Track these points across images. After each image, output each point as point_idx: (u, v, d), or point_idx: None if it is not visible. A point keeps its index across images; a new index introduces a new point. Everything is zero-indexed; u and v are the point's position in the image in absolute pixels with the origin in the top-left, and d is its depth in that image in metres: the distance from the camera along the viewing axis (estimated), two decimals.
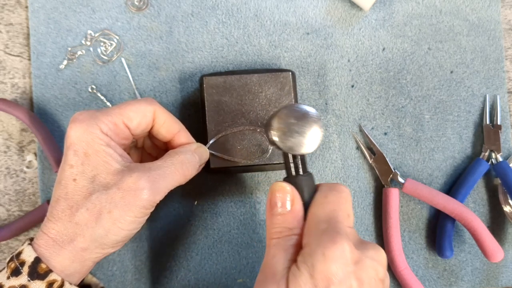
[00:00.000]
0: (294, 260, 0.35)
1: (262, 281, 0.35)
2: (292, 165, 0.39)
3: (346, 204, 0.37)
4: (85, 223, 0.38)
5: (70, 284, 0.38)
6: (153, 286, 0.53)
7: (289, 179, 0.39)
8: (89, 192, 0.38)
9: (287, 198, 0.37)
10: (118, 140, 0.41)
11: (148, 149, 0.49)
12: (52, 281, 0.37)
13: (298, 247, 0.36)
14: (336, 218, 0.36)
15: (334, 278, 0.32)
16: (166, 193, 0.40)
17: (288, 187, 0.37)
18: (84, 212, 0.38)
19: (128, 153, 0.47)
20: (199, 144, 0.45)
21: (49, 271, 0.37)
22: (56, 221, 0.38)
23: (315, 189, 0.39)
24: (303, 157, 0.40)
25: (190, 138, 0.46)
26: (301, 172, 0.39)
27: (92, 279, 0.44)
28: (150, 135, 0.46)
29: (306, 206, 0.38)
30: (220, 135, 0.49)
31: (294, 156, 0.39)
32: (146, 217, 0.40)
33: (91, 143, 0.39)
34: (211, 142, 0.48)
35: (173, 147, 0.45)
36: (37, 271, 0.37)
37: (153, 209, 0.40)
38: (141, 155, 0.49)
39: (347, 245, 0.33)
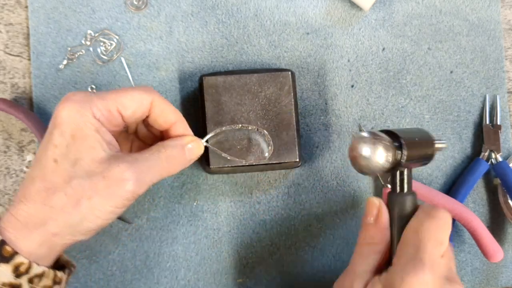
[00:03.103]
0: (376, 267, 0.39)
1: (341, 277, 0.40)
2: (397, 181, 0.41)
3: (441, 232, 0.38)
4: (61, 208, 0.36)
5: (38, 265, 0.37)
6: (153, 286, 0.53)
7: (389, 193, 0.41)
8: (70, 176, 0.36)
9: (374, 212, 0.40)
10: (109, 126, 0.39)
11: (141, 136, 0.47)
12: (19, 263, 0.36)
13: (380, 257, 0.40)
14: (425, 247, 0.37)
15: None
16: (150, 186, 0.39)
17: (377, 201, 0.40)
18: (62, 197, 0.36)
19: (117, 139, 0.45)
20: (193, 138, 0.44)
21: (14, 254, 0.36)
22: (27, 202, 0.36)
23: (414, 208, 0.40)
24: (404, 175, 0.40)
25: (187, 130, 0.44)
26: (404, 189, 0.41)
27: (64, 257, 0.42)
28: (145, 122, 0.44)
29: (401, 223, 0.40)
30: (218, 130, 0.48)
31: (401, 173, 0.40)
32: (124, 209, 0.39)
33: (81, 126, 0.37)
34: (207, 137, 0.47)
35: (168, 137, 0.43)
36: (2, 254, 0.36)
37: (134, 201, 0.39)
38: (131, 141, 0.46)
39: (429, 277, 0.35)
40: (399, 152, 0.39)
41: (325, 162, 0.56)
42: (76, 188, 0.36)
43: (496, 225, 0.57)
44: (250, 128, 0.49)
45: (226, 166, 0.49)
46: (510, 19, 0.59)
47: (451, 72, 0.57)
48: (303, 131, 0.55)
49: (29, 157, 0.54)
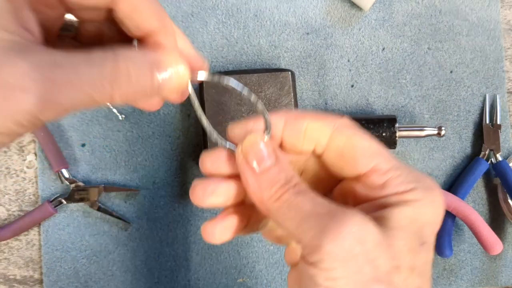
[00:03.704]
0: None
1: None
2: None
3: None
4: None
5: None
6: (153, 286, 0.53)
7: None
8: None
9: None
10: (39, 3, 0.24)
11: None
12: None
13: None
14: None
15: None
16: (66, 113, 0.23)
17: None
18: None
19: (54, 41, 0.27)
20: (176, 58, 0.26)
21: None
22: None
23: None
24: None
25: (173, 44, 0.27)
26: None
27: None
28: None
29: None
30: (216, 77, 0.31)
31: None
32: (11, 141, 0.23)
33: None
34: (207, 73, 0.31)
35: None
36: None
37: (31, 131, 0.27)
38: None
39: None
40: None
41: None
42: None
43: (496, 224, 0.57)
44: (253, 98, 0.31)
45: None
46: (510, 19, 0.59)
47: (451, 72, 0.58)
48: None
49: (29, 157, 0.54)
